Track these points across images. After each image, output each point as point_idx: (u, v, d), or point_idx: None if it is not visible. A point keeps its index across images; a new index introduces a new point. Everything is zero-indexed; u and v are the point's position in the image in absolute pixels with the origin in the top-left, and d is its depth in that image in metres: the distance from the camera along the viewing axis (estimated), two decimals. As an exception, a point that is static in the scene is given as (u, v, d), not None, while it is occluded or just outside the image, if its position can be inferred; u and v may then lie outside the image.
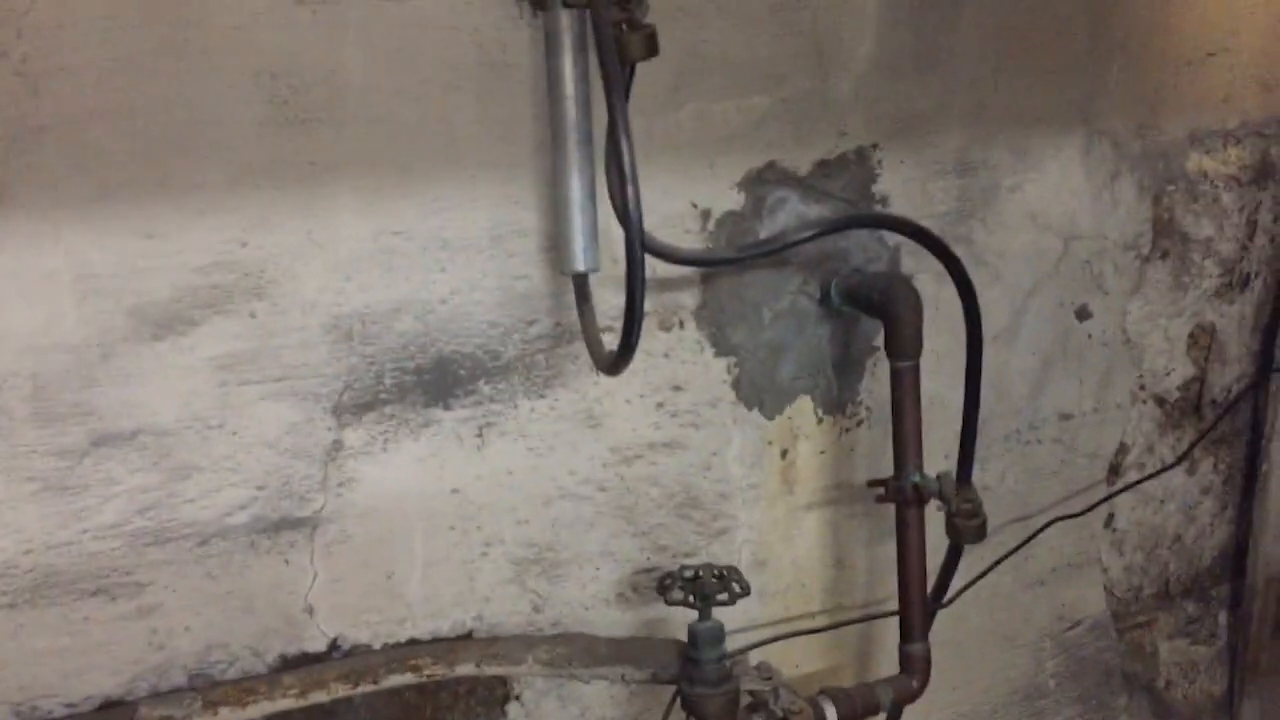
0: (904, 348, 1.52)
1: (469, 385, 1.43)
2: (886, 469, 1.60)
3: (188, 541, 1.33)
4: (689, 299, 1.53)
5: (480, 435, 1.45)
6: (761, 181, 1.53)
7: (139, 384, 1.27)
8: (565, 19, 1.26)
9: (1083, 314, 1.84)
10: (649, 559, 1.60)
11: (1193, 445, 2.00)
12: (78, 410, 1.25)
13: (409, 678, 1.42)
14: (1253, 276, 1.98)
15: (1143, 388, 1.94)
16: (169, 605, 1.34)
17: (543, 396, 1.47)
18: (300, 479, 1.37)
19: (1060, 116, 1.73)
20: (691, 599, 1.43)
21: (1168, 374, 1.96)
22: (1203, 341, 1.97)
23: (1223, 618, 2.18)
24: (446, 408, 1.42)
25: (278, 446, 1.35)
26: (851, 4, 1.52)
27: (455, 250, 1.38)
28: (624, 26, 1.23)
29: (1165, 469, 1.98)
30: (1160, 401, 1.96)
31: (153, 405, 1.28)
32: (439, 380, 1.41)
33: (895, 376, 1.54)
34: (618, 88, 1.15)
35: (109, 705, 1.34)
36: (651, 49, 1.24)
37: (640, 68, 1.30)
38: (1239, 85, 1.86)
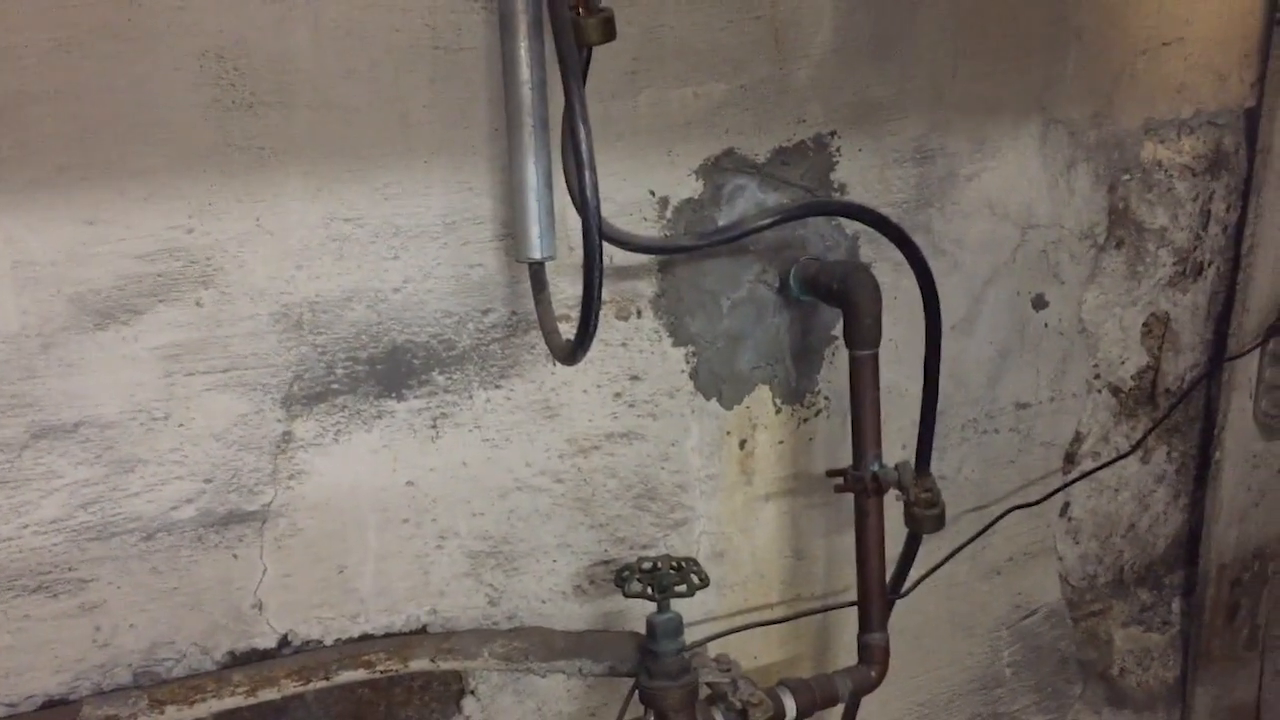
0: (863, 337, 1.51)
1: (423, 375, 1.40)
2: (845, 459, 1.59)
3: (132, 536, 1.30)
4: (647, 287, 1.52)
5: (434, 426, 1.43)
6: (720, 169, 1.51)
7: (81, 375, 1.24)
8: (520, 1, 1.24)
9: (1039, 303, 1.84)
10: (606, 551, 1.58)
11: (1147, 434, 2.01)
12: (17, 402, 1.22)
13: (362, 674, 1.40)
14: (1206, 266, 1.99)
15: (1098, 377, 1.95)
16: (113, 602, 1.31)
17: (498, 387, 1.45)
18: (249, 472, 1.34)
19: (1017, 105, 1.72)
20: (650, 591, 1.42)
21: (1122, 363, 1.97)
22: (1157, 331, 1.99)
23: (1176, 605, 2.20)
24: (400, 398, 1.40)
25: (225, 438, 1.32)
26: (810, -10, 1.51)
27: (408, 237, 1.35)
28: (580, 10, 1.20)
29: (1120, 457, 1.99)
30: (1115, 390, 1.97)
31: (95, 397, 1.25)
32: (392, 370, 1.39)
33: (854, 365, 1.53)
34: (574, 72, 1.13)
35: (51, 704, 1.31)
36: (609, 33, 1.22)
37: (597, 52, 1.28)
38: (1193, 75, 1.87)
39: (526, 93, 1.27)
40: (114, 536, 1.29)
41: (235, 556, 1.36)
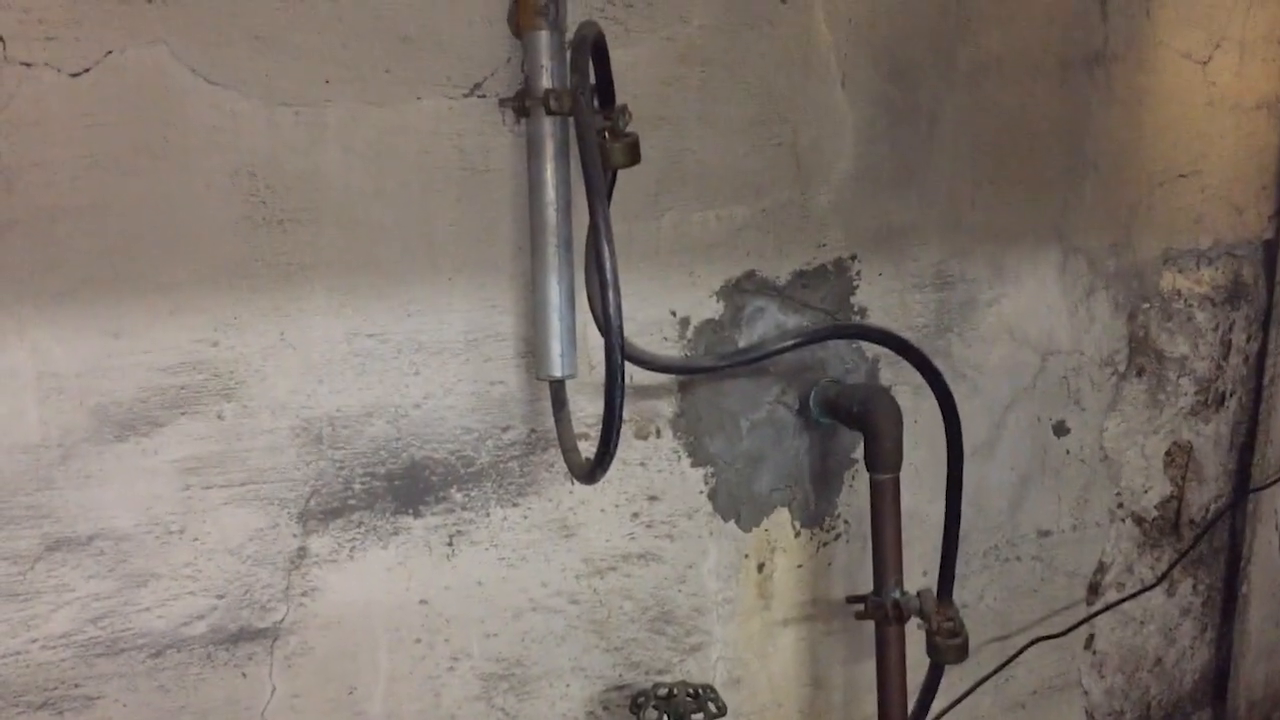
0: (884, 460, 1.50)
1: (440, 492, 1.39)
2: (865, 584, 1.57)
3: (141, 653, 1.28)
4: (666, 407, 1.51)
5: (451, 544, 1.41)
6: (741, 290, 1.52)
7: (99, 486, 1.23)
8: (548, 125, 1.27)
9: (1060, 429, 1.83)
10: (621, 676, 1.55)
11: (1172, 565, 1.98)
12: (33, 513, 1.21)
13: (368, 800, 1.36)
14: (1228, 395, 1.99)
15: (1121, 505, 1.93)
16: (118, 720, 1.28)
17: (515, 505, 1.44)
18: (262, 587, 1.32)
19: (1036, 233, 1.74)
20: (666, 719, 1.38)
21: (1145, 492, 1.95)
22: (1180, 460, 1.97)
23: (1205, 744, 2.14)
24: (417, 515, 1.39)
25: (240, 553, 1.30)
26: (831, 118, 1.53)
27: (430, 353, 1.36)
28: (607, 134, 1.23)
29: (1145, 589, 1.96)
30: (1139, 520, 1.95)
31: (112, 509, 1.24)
32: (410, 487, 1.38)
33: (875, 490, 1.51)
34: (600, 194, 1.14)
35: (49, 827, 1.27)
36: (634, 157, 1.24)
37: (621, 175, 1.30)
38: (1210, 206, 1.89)
39: (551, 213, 1.29)
40: (122, 653, 1.27)
41: (244, 675, 1.33)
